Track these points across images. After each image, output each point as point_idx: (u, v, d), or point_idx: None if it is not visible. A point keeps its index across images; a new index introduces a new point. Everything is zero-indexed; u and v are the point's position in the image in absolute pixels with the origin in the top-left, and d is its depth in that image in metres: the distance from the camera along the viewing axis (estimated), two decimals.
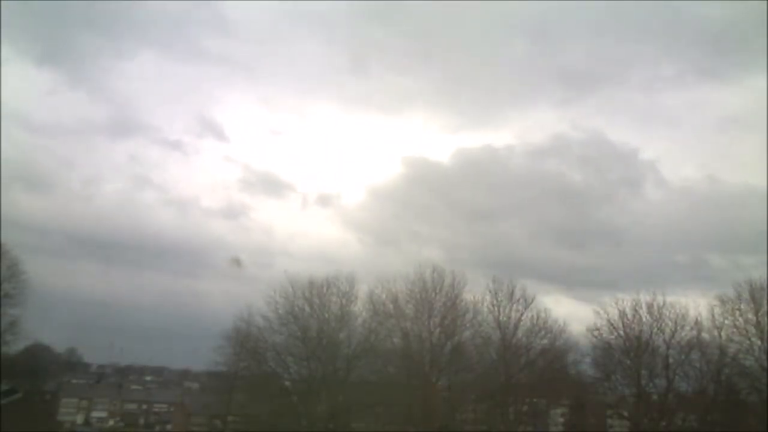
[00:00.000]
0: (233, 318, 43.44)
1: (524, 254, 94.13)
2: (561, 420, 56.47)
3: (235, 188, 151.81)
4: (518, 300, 47.47)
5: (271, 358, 42.44)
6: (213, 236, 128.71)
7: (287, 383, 43.87)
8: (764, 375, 41.94)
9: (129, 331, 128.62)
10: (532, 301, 47.55)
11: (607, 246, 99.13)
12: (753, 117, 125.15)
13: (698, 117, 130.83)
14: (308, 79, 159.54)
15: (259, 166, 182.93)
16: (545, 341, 47.58)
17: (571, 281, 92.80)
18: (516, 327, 47.20)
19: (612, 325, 45.92)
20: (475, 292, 47.40)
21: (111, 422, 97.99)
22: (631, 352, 45.47)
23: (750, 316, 43.03)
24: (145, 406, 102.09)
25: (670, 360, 44.86)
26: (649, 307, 45.23)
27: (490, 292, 47.45)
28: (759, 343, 42.40)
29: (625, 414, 49.27)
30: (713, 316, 44.39)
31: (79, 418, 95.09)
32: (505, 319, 47.13)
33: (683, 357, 44.90)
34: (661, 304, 45.14)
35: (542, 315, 47.28)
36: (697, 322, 44.64)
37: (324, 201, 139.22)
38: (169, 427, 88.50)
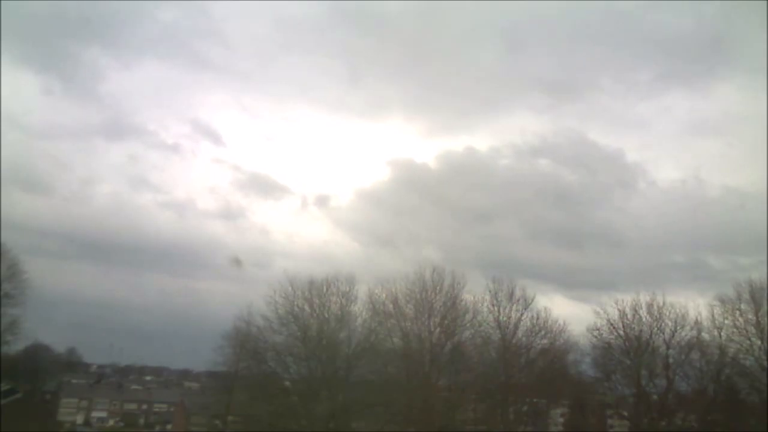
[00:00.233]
0: (233, 318, 43.53)
1: (519, 255, 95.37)
2: (561, 420, 56.49)
3: (230, 190, 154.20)
4: (518, 300, 47.56)
5: (271, 358, 42.36)
6: (211, 237, 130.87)
7: (287, 383, 43.80)
8: (764, 375, 41.94)
9: (129, 332, 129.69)
10: (532, 301, 47.65)
11: (602, 246, 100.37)
12: (721, 122, 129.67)
13: (670, 121, 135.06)
14: (295, 86, 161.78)
15: (253, 168, 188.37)
16: (545, 341, 47.67)
17: (567, 281, 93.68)
18: (516, 327, 47.25)
19: (612, 325, 45.99)
20: (474, 292, 47.52)
21: (111, 422, 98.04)
22: (631, 352, 45.49)
23: (750, 316, 43.05)
24: (145, 406, 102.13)
25: (670, 360, 44.92)
26: (649, 307, 45.30)
27: (489, 292, 47.53)
28: (759, 343, 42.41)
29: (625, 414, 49.32)
30: (713, 316, 44.50)
31: (79, 418, 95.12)
32: (505, 319, 47.19)
33: (683, 357, 44.94)
34: (661, 304, 45.28)
35: (542, 315, 47.41)
36: (697, 322, 44.75)
37: (318, 202, 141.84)
38: (169, 427, 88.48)
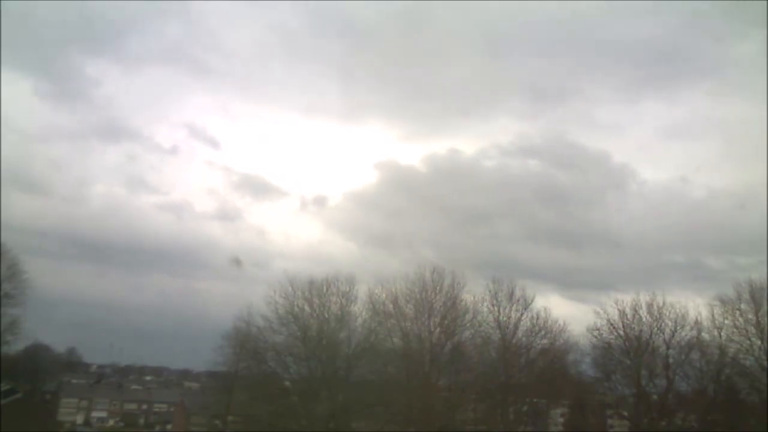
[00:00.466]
0: (233, 318, 43.54)
1: (514, 255, 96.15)
2: (561, 420, 56.48)
3: (226, 192, 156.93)
4: (518, 300, 47.56)
5: (271, 358, 42.35)
6: (209, 238, 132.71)
7: (287, 383, 43.78)
8: (764, 375, 41.94)
9: (129, 332, 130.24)
10: (532, 301, 47.65)
11: (598, 247, 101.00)
12: (694, 126, 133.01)
13: (647, 125, 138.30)
14: (280, 91, 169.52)
15: (248, 170, 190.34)
16: (545, 341, 47.66)
17: (564, 281, 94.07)
18: (516, 327, 47.24)
19: (612, 325, 45.97)
20: (473, 292, 47.55)
21: (111, 422, 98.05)
22: (631, 352, 45.48)
23: (750, 316, 43.05)
24: (145, 406, 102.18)
25: (670, 360, 44.91)
26: (649, 307, 45.29)
27: (489, 292, 47.53)
28: (759, 343, 42.41)
29: (625, 414, 49.30)
30: (713, 316, 44.50)
31: (79, 418, 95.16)
32: (504, 319, 47.18)
33: (683, 357, 44.94)
34: (661, 304, 45.26)
35: (542, 315, 47.39)
36: (697, 322, 44.75)
37: (312, 204, 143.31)
38: (169, 427, 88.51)
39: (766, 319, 42.41)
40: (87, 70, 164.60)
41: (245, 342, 42.86)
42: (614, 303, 46.47)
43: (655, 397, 46.23)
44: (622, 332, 45.75)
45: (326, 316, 42.16)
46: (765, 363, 42.04)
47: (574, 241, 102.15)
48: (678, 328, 44.56)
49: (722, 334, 44.08)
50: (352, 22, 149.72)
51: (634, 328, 45.46)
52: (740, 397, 45.34)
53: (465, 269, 47.98)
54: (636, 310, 45.47)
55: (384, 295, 45.66)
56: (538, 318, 47.17)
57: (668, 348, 44.75)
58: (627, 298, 46.48)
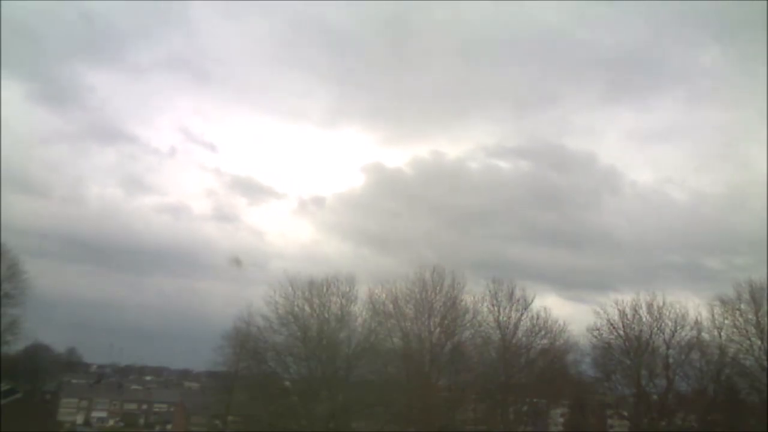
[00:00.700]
0: (233, 318, 43.53)
1: (511, 255, 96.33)
2: (561, 420, 56.50)
3: (223, 193, 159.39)
4: (518, 300, 47.59)
5: (271, 358, 42.32)
6: (207, 239, 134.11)
7: (287, 383, 43.77)
8: (764, 375, 41.96)
9: (129, 332, 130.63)
10: (532, 301, 47.68)
11: (594, 247, 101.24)
12: (667, 131, 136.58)
13: (620, 130, 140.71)
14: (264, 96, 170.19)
15: (241, 172, 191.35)
16: (545, 341, 47.66)
17: (561, 282, 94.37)
18: (516, 327, 47.26)
19: (612, 325, 45.99)
20: (474, 293, 47.58)
21: (111, 422, 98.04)
22: (631, 352, 45.49)
23: (750, 316, 43.08)
24: (145, 406, 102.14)
25: (670, 360, 44.93)
26: (649, 307, 45.31)
27: (489, 292, 47.58)
28: (759, 343, 42.44)
29: (625, 414, 49.30)
30: (713, 316, 44.55)
31: (79, 418, 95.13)
32: (504, 319, 47.21)
33: (683, 357, 44.96)
34: (661, 304, 45.32)
35: (542, 315, 47.40)
36: (697, 322, 44.79)
37: (305, 206, 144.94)
38: (169, 427, 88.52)
39: (766, 319, 42.45)
40: (81, 74, 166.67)
41: (245, 342, 42.84)
42: (614, 303, 46.60)
43: (655, 397, 46.24)
44: (622, 332, 45.80)
45: (326, 316, 42.15)
46: (765, 363, 42.05)
47: (569, 241, 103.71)
48: (678, 328, 44.66)
49: (722, 334, 44.17)
50: (334, 29, 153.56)
51: (634, 328, 45.51)
52: (740, 397, 45.35)
53: (460, 270, 48.04)
54: (636, 310, 45.56)
55: (384, 295, 45.76)
56: (538, 318, 47.28)
57: (668, 348, 44.80)
58: (627, 298, 46.61)
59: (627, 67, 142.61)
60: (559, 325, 47.38)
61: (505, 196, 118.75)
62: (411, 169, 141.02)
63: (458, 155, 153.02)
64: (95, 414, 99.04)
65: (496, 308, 47.36)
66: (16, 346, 54.96)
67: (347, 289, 43.09)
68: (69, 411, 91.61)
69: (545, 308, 47.94)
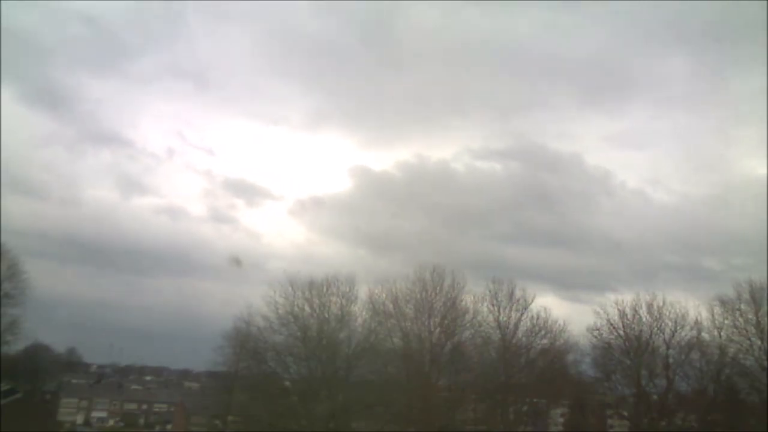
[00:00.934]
0: (232, 318, 43.51)
1: (506, 256, 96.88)
2: (561, 420, 56.49)
3: (219, 195, 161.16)
4: (518, 300, 47.60)
5: (271, 358, 42.33)
6: (205, 240, 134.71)
7: (287, 383, 43.78)
8: (764, 375, 41.97)
9: (129, 332, 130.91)
10: (532, 301, 47.70)
11: (587, 248, 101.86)
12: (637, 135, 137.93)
13: (593, 135, 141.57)
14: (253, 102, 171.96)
15: (237, 175, 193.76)
16: (545, 341, 47.68)
17: (556, 282, 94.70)
18: (516, 327, 47.28)
19: (612, 325, 45.99)
20: (474, 293, 47.60)
21: (111, 422, 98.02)
22: (631, 352, 45.49)
23: (750, 316, 43.07)
24: (145, 406, 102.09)
25: (670, 360, 44.94)
26: (649, 307, 45.33)
27: (489, 292, 47.60)
28: (759, 343, 42.44)
29: (625, 414, 49.30)
30: (713, 316, 44.54)
31: (79, 418, 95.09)
32: (504, 319, 47.23)
33: (683, 357, 44.96)
34: (661, 304, 45.32)
35: (542, 315, 47.40)
36: (697, 322, 44.79)
37: (299, 208, 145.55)
38: (169, 427, 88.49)
39: (766, 319, 42.46)
40: (78, 78, 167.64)
41: (245, 342, 42.82)
42: (614, 303, 46.63)
43: (655, 397, 46.24)
44: (622, 332, 45.82)
45: (326, 316, 42.16)
46: (765, 363, 42.06)
47: (564, 241, 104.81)
48: (678, 328, 44.67)
49: (722, 334, 44.18)
50: (319, 39, 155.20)
51: (634, 328, 45.52)
52: (740, 397, 45.35)
53: (460, 270, 48.19)
54: (636, 310, 45.58)
55: (384, 295, 45.78)
56: (538, 318, 47.29)
57: (668, 348, 44.80)
58: (627, 298, 46.65)
59: (599, 74, 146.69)
60: (559, 325, 47.49)
61: (496, 198, 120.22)
62: (399, 171, 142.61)
63: (443, 157, 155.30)
64: (95, 414, 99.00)
65: (496, 308, 47.45)
66: (16, 346, 54.98)
67: (347, 289, 43.15)
68: (69, 411, 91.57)
69: (545, 308, 48.04)
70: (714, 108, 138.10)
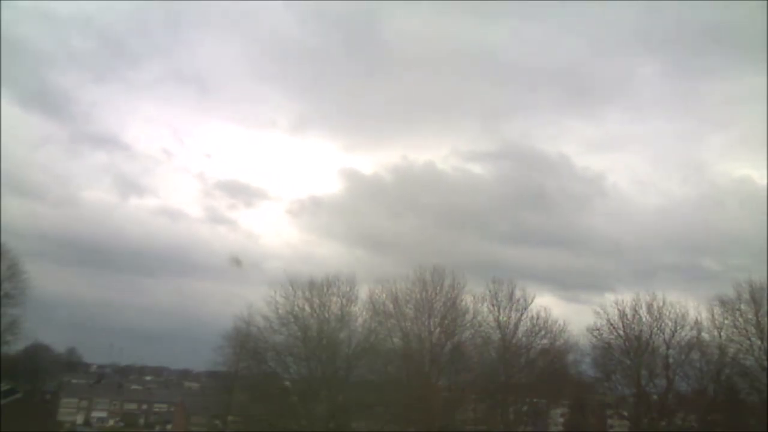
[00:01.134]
0: (233, 318, 43.51)
1: (503, 256, 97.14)
2: (561, 420, 56.49)
3: (219, 196, 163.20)
4: (518, 300, 47.62)
5: (271, 358, 42.34)
6: (203, 241, 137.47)
7: (287, 383, 43.78)
8: (764, 375, 41.96)
9: (129, 332, 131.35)
10: (532, 301, 47.72)
11: (585, 248, 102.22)
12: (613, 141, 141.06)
13: (574, 141, 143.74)
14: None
15: (234, 178, 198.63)
16: (545, 341, 47.69)
17: (553, 282, 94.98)
18: (516, 327, 47.29)
19: (612, 325, 45.98)
20: (474, 293, 47.62)
21: (111, 422, 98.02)
22: (631, 352, 45.48)
23: (750, 316, 43.06)
24: (145, 406, 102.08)
25: (670, 360, 44.92)
26: (649, 307, 45.30)
27: (489, 292, 47.61)
28: (759, 343, 42.43)
29: (625, 414, 49.29)
30: (713, 316, 44.53)
31: (79, 418, 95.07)
32: (504, 319, 47.24)
33: (683, 357, 44.95)
34: (661, 304, 45.28)
35: (542, 315, 47.41)
36: (697, 322, 44.79)
37: (294, 210, 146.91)
38: (169, 427, 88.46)
39: (766, 319, 42.45)
40: (75, 81, 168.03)
41: (245, 342, 42.81)
42: (614, 303, 46.61)
43: (655, 397, 46.23)
44: (622, 332, 45.79)
45: (326, 316, 42.17)
46: (765, 363, 42.05)
47: (560, 241, 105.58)
48: (678, 328, 44.65)
49: (722, 334, 44.15)
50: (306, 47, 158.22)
51: (634, 328, 45.51)
52: (740, 397, 45.34)
53: (460, 270, 48.28)
54: (636, 310, 45.56)
55: (384, 296, 45.80)
56: (538, 318, 47.31)
57: (668, 348, 44.78)
58: (627, 298, 46.62)
59: (576, 81, 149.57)
60: (559, 325, 47.52)
61: (490, 199, 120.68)
62: (388, 173, 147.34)
63: (430, 159, 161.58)
64: (95, 414, 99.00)
65: (496, 308, 47.47)
66: (16, 346, 55.00)
67: (347, 289, 43.20)
68: (69, 411, 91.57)
69: (545, 308, 48.07)
70: (686, 113, 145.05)
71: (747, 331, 43.08)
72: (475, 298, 47.30)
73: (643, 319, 45.31)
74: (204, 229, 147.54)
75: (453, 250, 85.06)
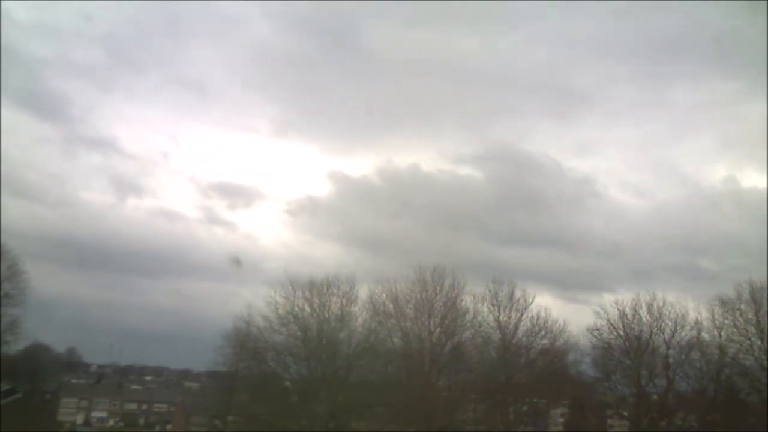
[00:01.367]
0: (233, 318, 43.54)
1: (501, 257, 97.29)
2: (561, 420, 56.50)
3: (217, 197, 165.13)
4: (518, 300, 47.59)
5: (271, 358, 42.37)
6: (201, 242, 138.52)
7: (287, 383, 43.83)
8: (764, 375, 41.99)
9: (129, 332, 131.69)
10: (532, 301, 47.67)
11: (583, 249, 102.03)
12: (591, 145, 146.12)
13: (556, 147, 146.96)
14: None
15: (231, 180, 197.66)
16: (545, 341, 47.63)
17: (550, 282, 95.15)
18: (516, 327, 47.26)
19: (612, 325, 45.96)
20: (474, 293, 47.61)
21: (111, 422, 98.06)
22: (631, 352, 45.47)
23: (750, 316, 43.07)
24: (145, 406, 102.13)
25: (670, 360, 44.91)
26: (649, 307, 45.29)
27: (489, 292, 47.56)
28: (759, 343, 42.44)
29: (625, 414, 49.29)
30: (713, 316, 44.52)
31: (79, 418, 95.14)
32: (505, 319, 47.20)
33: (683, 357, 44.94)
34: (661, 304, 45.25)
35: (542, 315, 47.37)
36: (697, 322, 44.78)
37: (291, 210, 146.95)
38: (169, 427, 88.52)
39: (766, 319, 42.45)
40: (73, 84, 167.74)
41: (245, 342, 42.85)
42: (614, 303, 46.60)
43: (655, 397, 46.23)
44: (622, 332, 45.76)
45: (326, 316, 42.20)
46: (765, 363, 42.07)
47: (556, 242, 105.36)
48: (678, 328, 44.63)
49: (722, 334, 44.14)
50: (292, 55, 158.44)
51: (634, 328, 45.48)
52: (740, 397, 45.37)
53: (460, 270, 48.27)
54: (636, 310, 45.53)
55: (384, 296, 45.77)
56: (538, 318, 47.22)
57: (668, 348, 44.77)
58: (627, 298, 46.61)
59: (554, 86, 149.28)
60: (559, 325, 47.43)
61: (482, 200, 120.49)
62: (375, 176, 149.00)
63: (414, 161, 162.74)
64: (95, 414, 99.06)
65: (496, 308, 47.40)
66: (16, 346, 55.14)
67: (347, 290, 43.24)
68: (69, 411, 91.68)
69: (545, 308, 48.00)
70: (659, 118, 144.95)
71: (747, 331, 43.09)
72: (475, 298, 47.34)
73: (643, 319, 45.34)
74: (202, 230, 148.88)
75: (450, 251, 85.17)
